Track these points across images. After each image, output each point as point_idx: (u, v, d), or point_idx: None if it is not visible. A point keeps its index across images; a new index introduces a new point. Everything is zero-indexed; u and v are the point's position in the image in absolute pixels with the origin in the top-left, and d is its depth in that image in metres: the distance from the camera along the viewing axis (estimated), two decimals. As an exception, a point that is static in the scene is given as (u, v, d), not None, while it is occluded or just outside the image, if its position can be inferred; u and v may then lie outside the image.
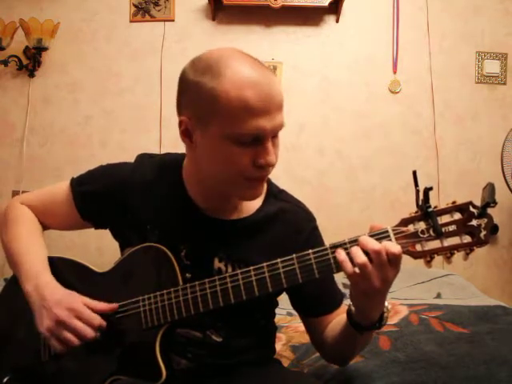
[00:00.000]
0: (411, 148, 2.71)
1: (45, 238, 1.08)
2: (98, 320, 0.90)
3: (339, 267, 0.81)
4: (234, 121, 0.82)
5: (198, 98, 0.85)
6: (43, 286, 0.93)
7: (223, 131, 0.83)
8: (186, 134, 0.90)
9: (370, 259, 0.78)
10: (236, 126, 0.82)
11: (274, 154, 0.86)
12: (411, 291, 1.99)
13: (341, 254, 0.80)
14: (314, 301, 1.02)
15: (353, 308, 0.88)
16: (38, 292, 0.93)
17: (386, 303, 0.88)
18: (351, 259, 0.79)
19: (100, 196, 1.02)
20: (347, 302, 0.91)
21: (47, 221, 1.10)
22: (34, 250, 1.02)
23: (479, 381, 1.01)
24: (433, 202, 0.78)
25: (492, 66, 2.71)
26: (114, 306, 0.93)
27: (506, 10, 2.72)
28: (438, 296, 1.92)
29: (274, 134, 0.87)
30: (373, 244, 0.78)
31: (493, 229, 0.77)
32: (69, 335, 0.88)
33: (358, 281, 0.79)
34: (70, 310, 0.89)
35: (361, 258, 0.78)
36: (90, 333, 0.88)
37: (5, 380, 0.97)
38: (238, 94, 0.81)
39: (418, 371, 1.05)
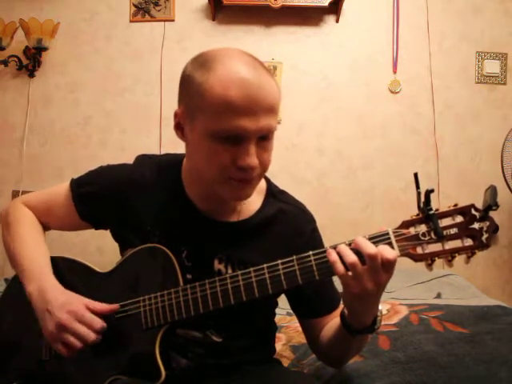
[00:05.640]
0: (411, 148, 2.71)
1: (45, 238, 1.08)
2: (99, 323, 0.89)
3: None
4: (216, 117, 0.81)
5: (189, 91, 0.86)
6: (46, 289, 0.93)
7: (206, 127, 0.83)
8: (178, 127, 0.91)
9: (364, 262, 0.77)
10: (218, 122, 0.81)
11: (254, 157, 0.83)
12: (411, 291, 1.99)
13: (332, 255, 0.79)
14: (311, 302, 1.02)
15: (345, 310, 0.88)
16: (41, 295, 0.92)
17: (380, 307, 0.87)
18: (341, 258, 0.78)
19: (99, 197, 1.02)
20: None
21: (48, 221, 1.11)
22: (36, 251, 1.02)
23: (479, 381, 1.01)
24: (433, 201, 0.78)
25: (492, 66, 2.71)
26: (115, 306, 0.93)
27: (506, 10, 2.72)
28: (438, 296, 1.92)
29: (258, 136, 0.84)
30: (368, 247, 0.77)
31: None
32: (71, 339, 0.87)
33: (349, 282, 0.79)
34: (71, 314, 0.88)
35: (350, 257, 0.77)
36: (91, 336, 0.88)
37: None
38: (222, 91, 0.80)
39: (417, 371, 1.05)
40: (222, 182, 0.87)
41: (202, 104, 0.83)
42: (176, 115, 0.90)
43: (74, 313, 0.89)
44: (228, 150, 0.83)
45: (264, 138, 0.85)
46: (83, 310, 0.90)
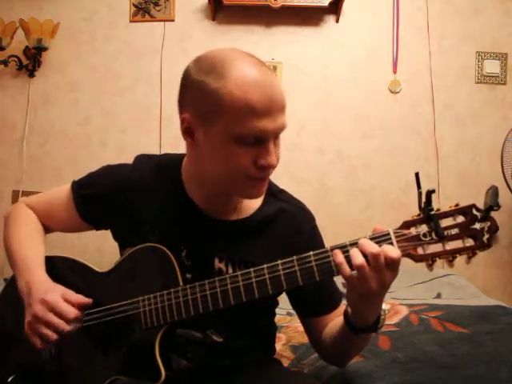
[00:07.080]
0: (411, 148, 2.71)
1: (45, 239, 1.09)
2: (73, 313, 0.89)
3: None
4: (237, 121, 0.83)
5: (202, 96, 0.85)
6: (33, 282, 0.94)
7: (226, 131, 0.84)
8: (187, 131, 0.90)
9: (368, 262, 0.77)
10: (239, 126, 0.83)
11: (275, 155, 0.86)
12: (411, 291, 1.99)
13: (338, 256, 0.80)
14: (312, 301, 1.02)
15: (349, 309, 0.88)
16: (28, 288, 0.93)
17: (384, 306, 0.87)
18: (349, 261, 0.78)
19: (100, 198, 1.02)
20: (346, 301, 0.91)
21: (50, 223, 1.11)
22: (30, 247, 1.03)
23: (479, 381, 1.01)
24: (433, 201, 0.78)
25: (492, 66, 2.71)
26: (89, 300, 0.93)
27: (506, 10, 2.72)
28: (438, 296, 1.92)
29: (276, 136, 0.87)
30: (371, 247, 0.77)
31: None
32: (45, 330, 0.87)
33: (354, 283, 0.79)
34: (44, 304, 0.89)
35: (358, 259, 0.77)
36: (64, 326, 0.88)
37: (10, 379, 0.97)
38: (242, 95, 0.81)
39: (418, 371, 1.05)
40: (240, 182, 0.88)
41: (220, 109, 0.83)
42: (184, 120, 0.89)
43: (47, 303, 0.89)
44: (248, 151, 0.85)
45: (276, 136, 0.87)
46: (57, 300, 0.89)
